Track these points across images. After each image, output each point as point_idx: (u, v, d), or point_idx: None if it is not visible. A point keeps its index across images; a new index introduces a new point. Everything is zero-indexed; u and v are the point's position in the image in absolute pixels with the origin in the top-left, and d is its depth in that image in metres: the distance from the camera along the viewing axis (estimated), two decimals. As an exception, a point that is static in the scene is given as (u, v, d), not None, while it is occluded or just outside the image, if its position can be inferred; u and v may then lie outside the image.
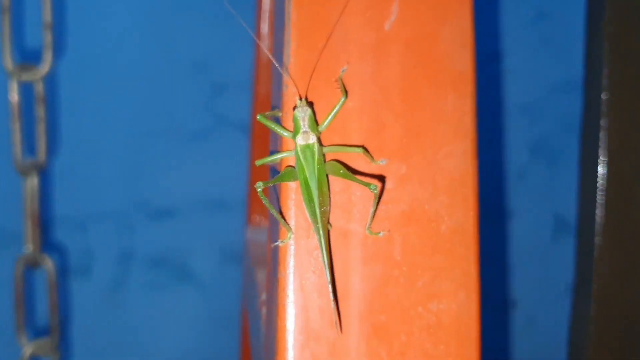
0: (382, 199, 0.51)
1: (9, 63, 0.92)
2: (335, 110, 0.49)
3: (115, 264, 1.17)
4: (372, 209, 0.49)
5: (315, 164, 0.47)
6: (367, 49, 0.53)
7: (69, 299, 1.24)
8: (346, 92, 0.50)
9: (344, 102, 0.50)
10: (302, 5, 0.53)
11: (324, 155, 0.49)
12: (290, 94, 0.50)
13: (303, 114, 0.48)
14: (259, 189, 0.45)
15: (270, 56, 0.48)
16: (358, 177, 0.49)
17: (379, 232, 0.50)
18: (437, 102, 0.53)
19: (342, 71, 0.51)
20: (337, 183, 0.51)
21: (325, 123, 0.49)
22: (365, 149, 0.50)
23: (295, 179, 0.48)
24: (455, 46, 0.54)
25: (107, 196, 1.14)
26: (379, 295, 0.51)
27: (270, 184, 0.47)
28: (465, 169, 0.53)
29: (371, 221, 0.49)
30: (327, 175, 0.49)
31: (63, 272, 1.15)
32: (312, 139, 0.48)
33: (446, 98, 0.53)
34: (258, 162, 0.50)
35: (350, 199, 0.51)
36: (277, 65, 0.48)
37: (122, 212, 1.15)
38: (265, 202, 0.46)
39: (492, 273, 1.38)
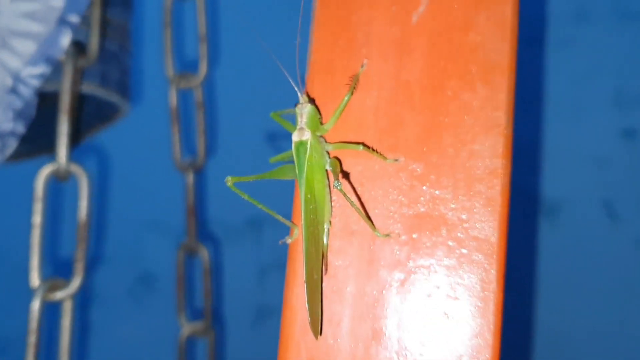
0: (396, 199, 0.49)
1: (170, 72, 1.04)
2: (339, 108, 0.48)
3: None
4: (354, 208, 0.47)
5: (306, 160, 0.47)
6: (389, 44, 0.51)
7: (272, 290, 1.35)
8: (353, 90, 0.49)
9: (348, 100, 0.48)
10: (327, 3, 0.52)
11: (327, 152, 0.49)
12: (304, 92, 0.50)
13: (301, 111, 0.48)
14: (228, 183, 0.46)
15: (273, 56, 0.49)
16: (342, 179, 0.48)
17: (387, 234, 0.48)
18: (463, 96, 0.49)
19: (362, 67, 0.50)
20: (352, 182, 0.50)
21: (331, 120, 0.49)
22: (366, 146, 0.48)
23: (292, 176, 0.48)
24: (491, 35, 0.49)
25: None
26: (381, 299, 0.48)
27: (251, 179, 0.48)
28: (493, 169, 0.48)
29: (368, 221, 0.47)
30: (326, 173, 0.48)
31: (268, 267, 1.24)
32: (306, 136, 0.47)
33: (475, 91, 0.49)
34: (272, 160, 0.51)
35: (362, 198, 0.50)
36: (278, 62, 0.48)
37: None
38: (245, 197, 0.47)
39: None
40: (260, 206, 0.48)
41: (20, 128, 0.80)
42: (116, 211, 1.27)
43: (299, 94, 0.49)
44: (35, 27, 0.75)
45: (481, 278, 0.47)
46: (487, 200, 0.48)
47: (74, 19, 0.77)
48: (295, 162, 0.47)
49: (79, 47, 0.80)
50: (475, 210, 0.48)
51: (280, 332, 0.50)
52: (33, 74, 0.75)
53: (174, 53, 1.05)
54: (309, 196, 0.47)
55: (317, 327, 0.47)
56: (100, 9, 0.82)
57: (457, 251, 0.48)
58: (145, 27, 1.12)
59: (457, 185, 0.48)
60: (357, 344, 0.48)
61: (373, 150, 0.48)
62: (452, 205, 0.48)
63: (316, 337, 0.47)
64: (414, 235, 0.48)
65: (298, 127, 0.48)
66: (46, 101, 0.87)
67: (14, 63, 0.75)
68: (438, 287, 0.47)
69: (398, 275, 0.48)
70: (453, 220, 0.48)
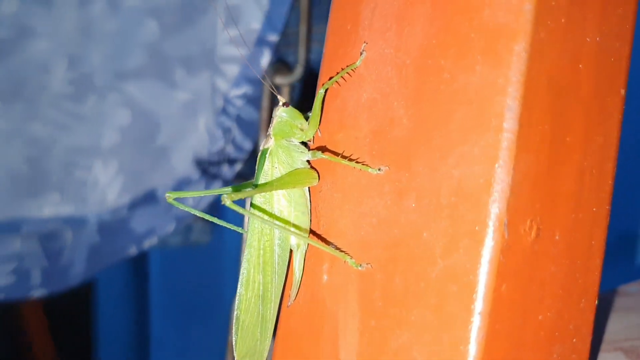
0: (377, 219, 0.38)
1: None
2: (315, 108, 0.40)
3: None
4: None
5: (261, 173, 0.40)
6: (391, 18, 0.39)
7: None
8: (330, 85, 0.40)
9: (321, 97, 0.40)
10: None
11: (307, 162, 0.40)
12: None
13: (273, 114, 0.41)
14: (169, 200, 0.40)
15: (247, 63, 0.43)
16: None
17: (360, 264, 0.38)
18: (460, 77, 0.35)
19: (362, 55, 0.40)
20: (333, 197, 0.40)
21: (311, 124, 0.40)
22: (332, 152, 0.38)
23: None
24: (505, -15, 0.34)
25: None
26: (348, 345, 0.37)
27: (195, 195, 0.41)
28: (486, 180, 0.33)
29: (332, 250, 0.38)
30: (305, 188, 0.40)
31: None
32: (268, 144, 0.40)
33: (473, 70, 0.34)
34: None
35: (352, 216, 0.40)
36: (252, 68, 0.42)
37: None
38: (187, 209, 0.41)
39: None
40: (208, 217, 0.42)
41: (248, 145, 0.87)
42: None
43: (277, 95, 0.42)
44: (238, 51, 0.80)
45: (456, 332, 0.33)
46: (472, 224, 0.33)
47: (273, 37, 0.80)
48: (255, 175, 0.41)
49: (281, 65, 0.82)
50: (456, 239, 0.33)
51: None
52: (237, 95, 0.81)
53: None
54: (267, 207, 0.39)
55: None
56: (306, 25, 0.83)
57: (429, 294, 0.34)
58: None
59: (439, 203, 0.35)
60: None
61: (344, 158, 0.38)
62: (432, 230, 0.35)
63: None
64: (386, 268, 0.36)
65: (267, 133, 0.41)
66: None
67: (224, 86, 0.82)
68: (403, 340, 0.35)
69: (367, 319, 0.37)
70: (428, 252, 0.34)
